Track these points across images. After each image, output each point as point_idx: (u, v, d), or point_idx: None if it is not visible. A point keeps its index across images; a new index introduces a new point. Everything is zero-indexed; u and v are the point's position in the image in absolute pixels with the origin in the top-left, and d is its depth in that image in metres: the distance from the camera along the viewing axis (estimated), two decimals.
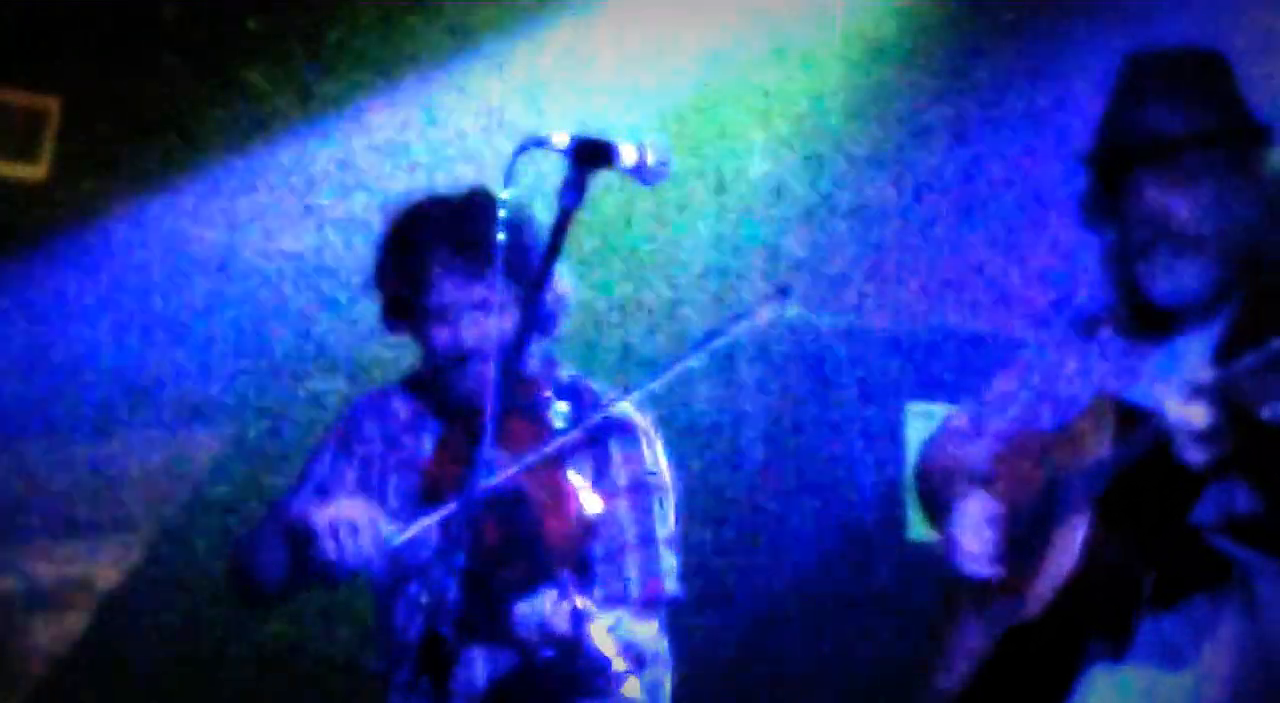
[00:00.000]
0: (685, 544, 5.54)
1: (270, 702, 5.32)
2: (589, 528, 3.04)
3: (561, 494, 2.99)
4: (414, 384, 3.47)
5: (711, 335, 3.10)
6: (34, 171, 5.22)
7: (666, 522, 3.34)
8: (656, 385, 3.12)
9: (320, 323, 5.41)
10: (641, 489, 3.32)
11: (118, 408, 5.42)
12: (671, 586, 3.31)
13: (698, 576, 5.64)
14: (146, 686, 5.32)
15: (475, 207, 3.29)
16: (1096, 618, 2.81)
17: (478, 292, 3.24)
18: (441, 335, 3.27)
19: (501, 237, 2.77)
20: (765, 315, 3.09)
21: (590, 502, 2.99)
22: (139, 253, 5.41)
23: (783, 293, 3.02)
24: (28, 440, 5.46)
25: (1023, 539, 2.94)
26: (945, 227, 5.66)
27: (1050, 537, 2.85)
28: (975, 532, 2.99)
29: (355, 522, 3.06)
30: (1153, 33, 4.74)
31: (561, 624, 2.92)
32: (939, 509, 3.11)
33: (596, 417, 3.15)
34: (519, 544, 3.02)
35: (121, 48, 5.02)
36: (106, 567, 5.55)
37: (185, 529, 5.43)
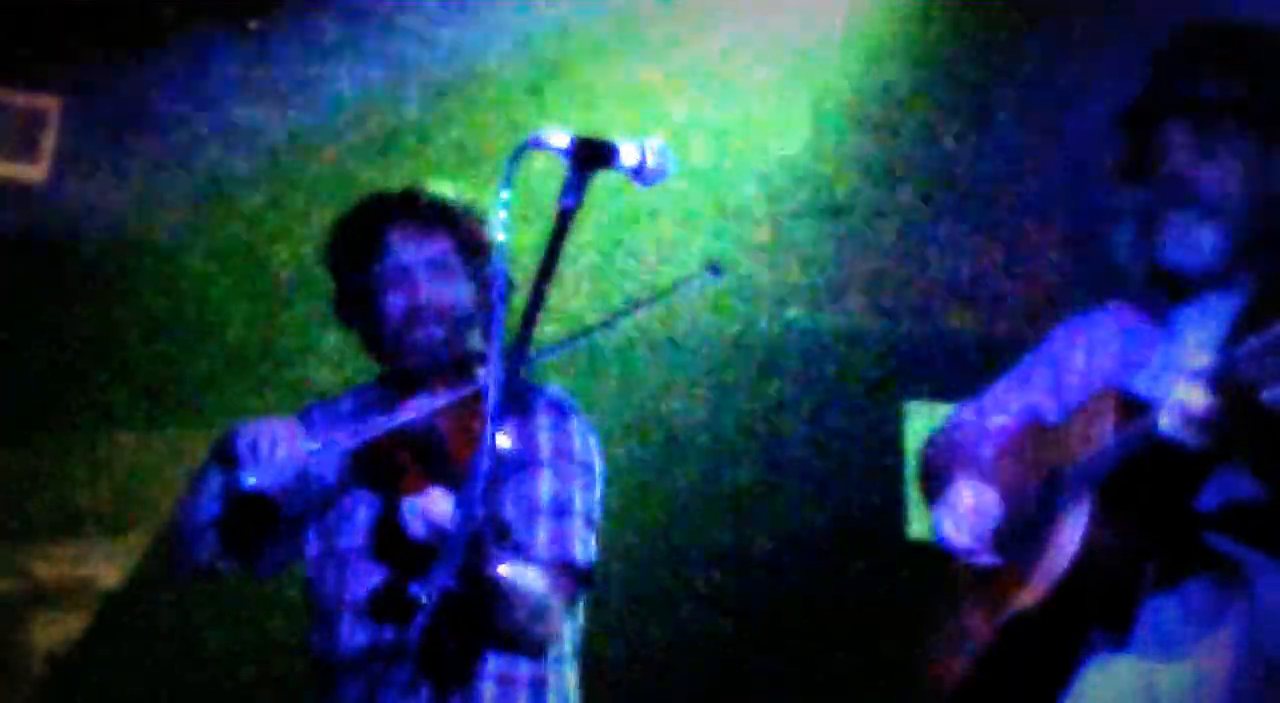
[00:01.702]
0: (684, 545, 5.55)
1: (270, 702, 5.33)
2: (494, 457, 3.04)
3: (472, 425, 3.00)
4: (363, 388, 3.57)
5: (635, 305, 3.11)
6: (34, 172, 5.23)
7: (588, 502, 3.37)
8: (566, 348, 3.13)
9: (322, 322, 5.41)
10: (563, 464, 3.36)
11: (118, 408, 5.42)
12: (582, 556, 3.31)
13: (697, 576, 5.67)
14: (146, 686, 5.32)
15: (421, 186, 3.45)
16: (1097, 607, 2.82)
17: (431, 250, 3.36)
18: (397, 299, 3.36)
19: (502, 236, 2.77)
20: (692, 288, 3.10)
21: (500, 437, 3.00)
22: (138, 252, 5.42)
23: (713, 270, 3.02)
24: (28, 439, 5.47)
25: (1024, 530, 2.94)
26: (945, 227, 5.66)
27: (1052, 527, 2.86)
28: (963, 520, 3.00)
29: (274, 434, 3.14)
30: (1152, 34, 4.74)
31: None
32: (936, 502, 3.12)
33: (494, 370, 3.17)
34: (425, 468, 3.06)
35: (121, 48, 5.02)
36: (106, 567, 5.55)
37: None
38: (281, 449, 3.12)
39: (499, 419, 2.58)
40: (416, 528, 3.02)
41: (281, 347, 5.45)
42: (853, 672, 5.46)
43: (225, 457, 3.21)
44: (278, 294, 5.47)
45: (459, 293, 3.34)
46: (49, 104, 5.19)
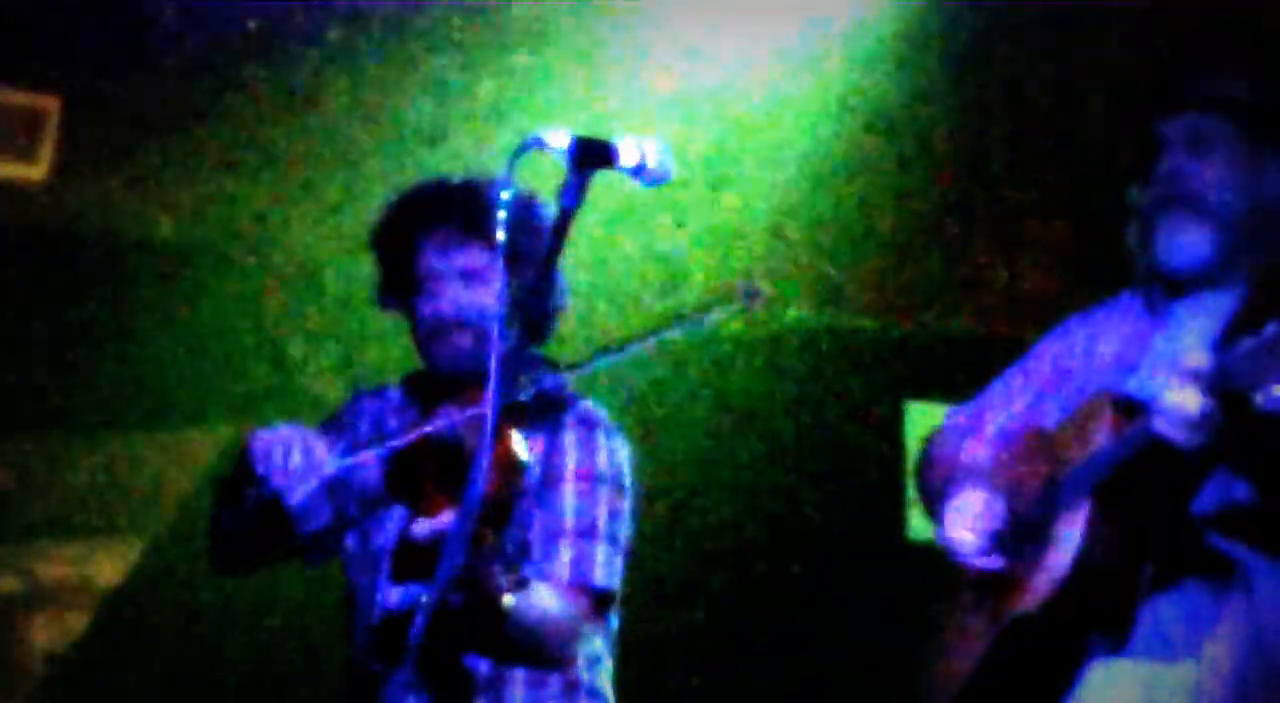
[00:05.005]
0: (683, 545, 5.55)
1: (270, 702, 5.33)
2: (515, 469, 2.99)
3: (496, 438, 2.94)
4: (410, 377, 3.51)
5: (672, 325, 3.08)
6: (34, 172, 5.23)
7: (613, 522, 3.29)
8: (597, 367, 3.08)
9: (322, 323, 5.41)
10: (589, 481, 3.28)
11: (118, 408, 5.42)
12: (603, 579, 3.25)
13: (696, 576, 5.67)
14: (146, 686, 5.32)
15: (471, 185, 3.35)
16: (1096, 611, 2.82)
17: (463, 260, 3.29)
18: (426, 305, 3.31)
19: (502, 235, 2.76)
20: (729, 312, 3.05)
21: (521, 449, 2.96)
22: (138, 252, 5.42)
23: (749, 295, 2.98)
24: (28, 440, 5.47)
25: (1023, 534, 2.94)
26: (947, 226, 5.66)
27: (1050, 531, 2.86)
28: (969, 524, 3.00)
29: (289, 441, 3.09)
30: (1153, 33, 4.75)
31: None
32: (938, 505, 3.11)
33: (533, 383, 3.10)
34: (445, 479, 2.99)
35: (121, 48, 5.02)
36: (106, 567, 5.55)
37: (185, 529, 5.44)
38: (296, 458, 3.07)
39: (531, 432, 2.52)
40: (422, 532, 2.97)
41: (282, 347, 5.45)
42: (853, 672, 5.46)
43: (245, 464, 3.15)
44: (279, 294, 5.47)
45: (490, 297, 3.23)
46: (49, 104, 5.19)
